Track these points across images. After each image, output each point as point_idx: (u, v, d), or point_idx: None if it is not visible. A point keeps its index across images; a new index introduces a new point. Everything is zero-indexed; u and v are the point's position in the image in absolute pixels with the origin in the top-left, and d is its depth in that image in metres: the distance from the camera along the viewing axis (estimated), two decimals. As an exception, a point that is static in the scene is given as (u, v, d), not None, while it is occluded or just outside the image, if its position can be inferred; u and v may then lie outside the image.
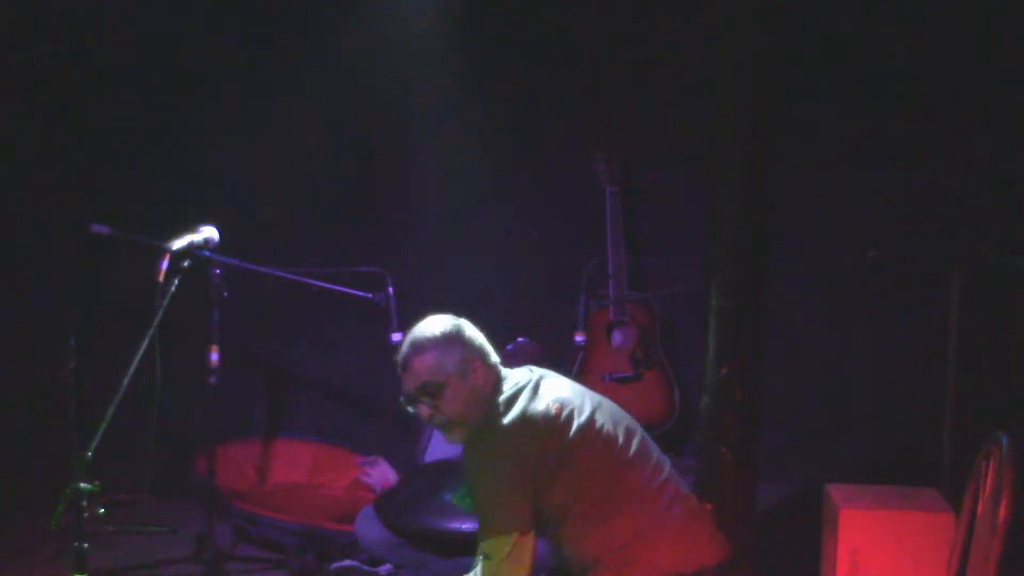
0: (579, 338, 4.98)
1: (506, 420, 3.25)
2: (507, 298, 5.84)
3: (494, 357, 3.39)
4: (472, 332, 3.38)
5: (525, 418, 3.26)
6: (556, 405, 3.29)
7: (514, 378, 3.35)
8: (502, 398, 3.29)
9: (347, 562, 4.56)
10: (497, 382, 3.32)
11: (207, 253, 4.35)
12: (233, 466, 5.36)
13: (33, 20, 5.46)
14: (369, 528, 4.44)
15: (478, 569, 3.23)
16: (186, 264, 4.08)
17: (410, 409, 3.33)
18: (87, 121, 5.57)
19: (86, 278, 5.54)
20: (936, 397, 4.67)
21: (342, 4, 5.65)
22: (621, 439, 3.32)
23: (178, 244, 4.14)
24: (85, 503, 3.46)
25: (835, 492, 4.23)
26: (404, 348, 3.33)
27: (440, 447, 4.67)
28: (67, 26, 5.51)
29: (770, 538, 4.15)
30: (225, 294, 4.60)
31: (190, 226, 4.29)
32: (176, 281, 3.98)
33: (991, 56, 5.15)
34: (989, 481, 3.12)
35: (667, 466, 3.40)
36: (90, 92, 5.56)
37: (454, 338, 3.33)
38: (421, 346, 3.32)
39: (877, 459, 5.35)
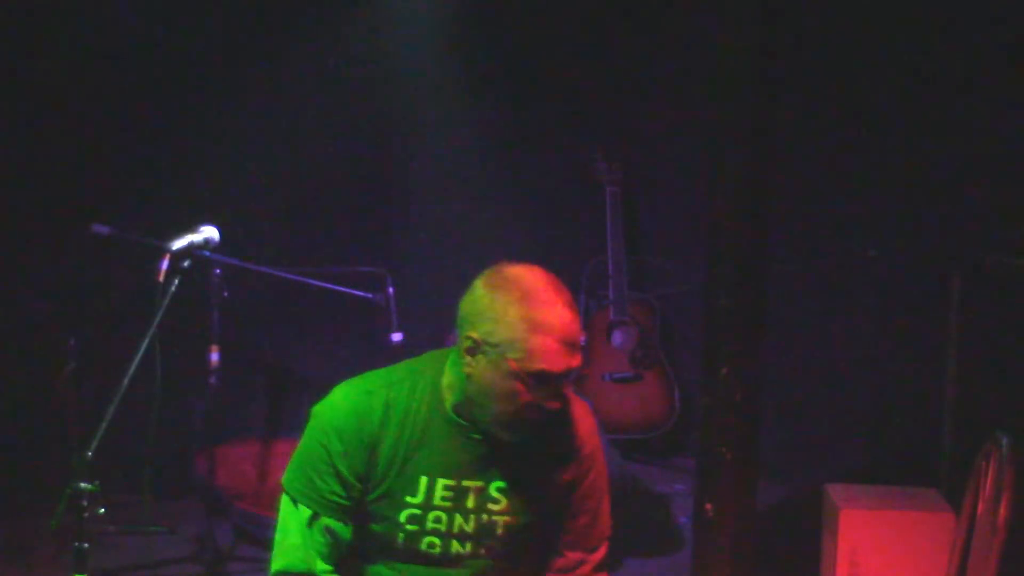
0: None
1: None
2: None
3: None
4: None
5: None
6: None
7: None
8: None
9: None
10: None
11: (207, 253, 4.34)
12: (233, 466, 5.36)
13: (33, 20, 5.46)
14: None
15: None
16: (186, 264, 4.08)
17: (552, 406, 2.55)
18: (87, 121, 5.56)
19: (86, 278, 5.54)
20: (936, 397, 4.68)
21: (342, 4, 5.65)
22: None
23: (178, 244, 4.13)
24: (85, 503, 3.46)
25: (835, 492, 4.23)
26: (570, 319, 2.52)
27: None
28: (67, 25, 5.50)
29: (770, 538, 4.15)
30: (225, 294, 4.59)
31: (190, 226, 4.29)
32: (176, 281, 3.98)
33: (992, 55, 5.15)
34: (989, 481, 3.12)
35: None
36: (90, 92, 5.56)
37: None
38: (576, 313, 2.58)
39: (877, 459, 5.35)
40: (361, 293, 4.80)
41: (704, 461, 3.78)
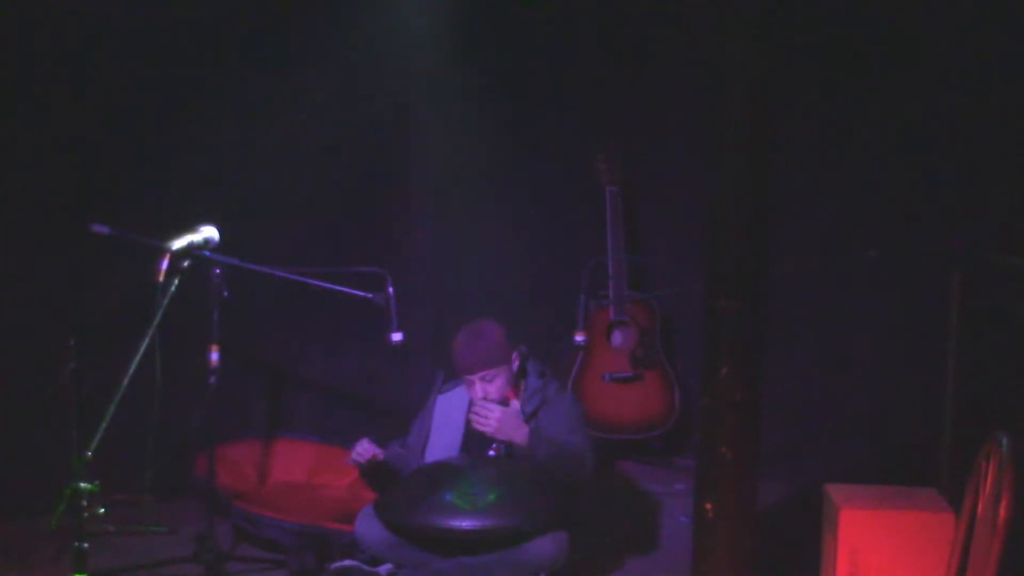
0: (579, 338, 4.99)
1: None
2: (507, 298, 5.84)
3: None
4: None
5: None
6: None
7: None
8: None
9: (347, 562, 4.56)
10: None
11: (207, 253, 4.35)
12: (233, 466, 5.36)
13: (33, 20, 5.45)
14: (369, 528, 4.44)
15: None
16: (186, 264, 4.08)
17: None
18: (87, 121, 5.56)
19: (86, 278, 5.53)
20: (936, 397, 4.68)
21: (342, 4, 5.65)
22: None
23: (178, 244, 4.14)
24: (85, 503, 3.47)
25: (835, 492, 4.23)
26: None
27: (438, 445, 4.67)
28: (67, 26, 5.50)
29: (770, 538, 4.15)
30: (225, 294, 4.59)
31: (190, 226, 4.30)
32: (176, 281, 3.98)
33: (991, 55, 5.15)
34: (989, 481, 3.12)
35: None
36: (90, 92, 5.55)
37: None
38: None
39: (877, 459, 5.36)
40: (361, 293, 4.80)
41: (704, 461, 3.78)
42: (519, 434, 4.41)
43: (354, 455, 4.57)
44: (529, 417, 4.53)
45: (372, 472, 4.60)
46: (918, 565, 3.97)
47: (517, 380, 4.60)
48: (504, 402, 4.52)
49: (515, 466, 4.46)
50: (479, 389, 4.50)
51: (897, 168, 5.42)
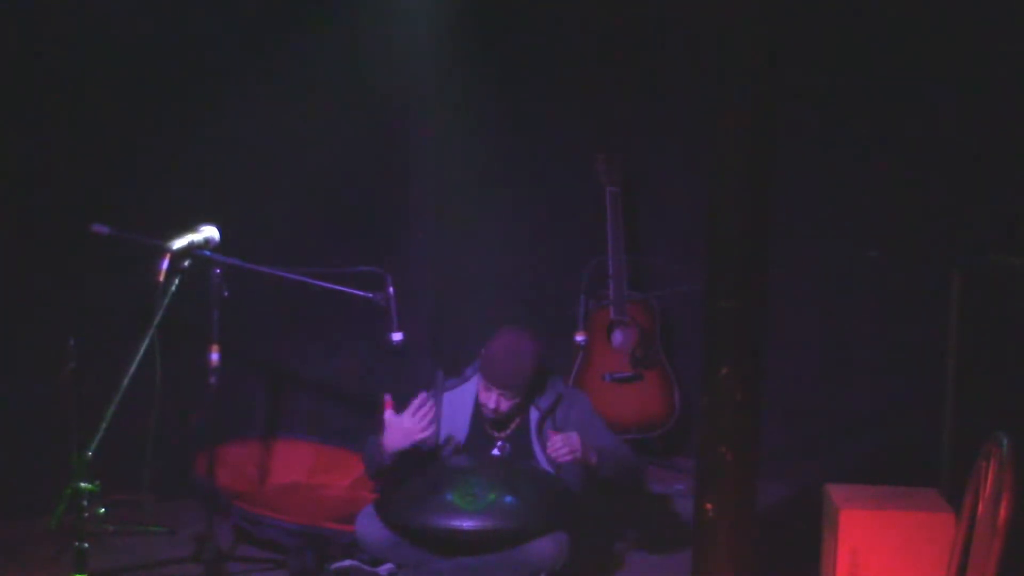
0: (579, 338, 4.99)
1: None
2: (507, 298, 5.84)
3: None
4: None
5: None
6: None
7: None
8: None
9: (347, 562, 4.56)
10: None
11: (207, 253, 4.35)
12: (233, 466, 5.36)
13: (33, 20, 5.45)
14: (370, 528, 4.44)
15: None
16: (186, 264, 4.08)
17: None
18: (87, 121, 5.56)
19: (86, 278, 5.53)
20: (936, 397, 4.68)
21: (343, 4, 5.65)
22: None
23: (178, 244, 4.15)
24: (85, 503, 3.47)
25: (835, 492, 4.23)
26: None
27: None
28: (67, 26, 5.50)
29: (770, 538, 4.15)
30: (225, 294, 4.59)
31: (190, 226, 4.29)
32: (176, 281, 3.98)
33: (991, 55, 5.15)
34: (989, 481, 3.12)
35: None
36: (90, 92, 5.55)
37: None
38: None
39: (877, 459, 5.36)
40: (361, 293, 4.80)
41: (704, 461, 3.78)
42: (591, 455, 4.43)
43: (421, 425, 4.46)
44: (546, 413, 4.53)
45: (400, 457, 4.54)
46: (918, 565, 3.97)
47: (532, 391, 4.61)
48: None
49: (516, 467, 4.46)
50: (495, 399, 4.52)
51: (897, 168, 5.42)
